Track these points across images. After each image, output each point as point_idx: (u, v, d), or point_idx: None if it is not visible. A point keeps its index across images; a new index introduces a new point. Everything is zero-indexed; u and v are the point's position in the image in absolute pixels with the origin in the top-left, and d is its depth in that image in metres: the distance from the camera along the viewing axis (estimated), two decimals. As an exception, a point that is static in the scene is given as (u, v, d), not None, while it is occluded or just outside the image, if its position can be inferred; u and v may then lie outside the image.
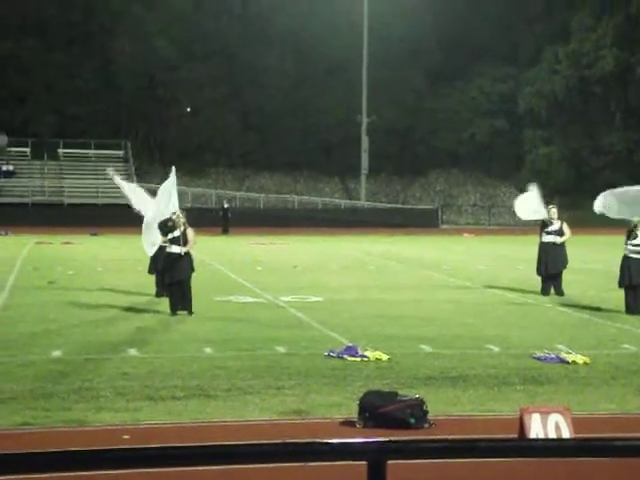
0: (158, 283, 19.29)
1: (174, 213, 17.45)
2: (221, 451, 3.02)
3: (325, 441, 2.86)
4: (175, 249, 16.84)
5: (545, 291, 20.21)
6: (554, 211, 20.60)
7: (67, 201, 59.44)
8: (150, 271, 19.90)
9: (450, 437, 8.18)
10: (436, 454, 2.99)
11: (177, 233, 16.86)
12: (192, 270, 17.19)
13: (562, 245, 20.38)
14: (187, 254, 16.97)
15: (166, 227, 17.05)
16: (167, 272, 16.96)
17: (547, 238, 20.46)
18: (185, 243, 16.90)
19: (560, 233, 20.38)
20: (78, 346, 13.54)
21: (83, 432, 8.94)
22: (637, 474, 7.52)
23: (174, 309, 16.74)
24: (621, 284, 17.40)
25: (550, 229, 20.37)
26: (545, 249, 20.41)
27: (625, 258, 17.45)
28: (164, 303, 18.55)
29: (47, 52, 66.93)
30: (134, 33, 68.52)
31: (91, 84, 68.33)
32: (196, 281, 23.30)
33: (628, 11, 69.97)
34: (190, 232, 17.08)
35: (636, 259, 17.16)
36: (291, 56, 70.07)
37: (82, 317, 16.59)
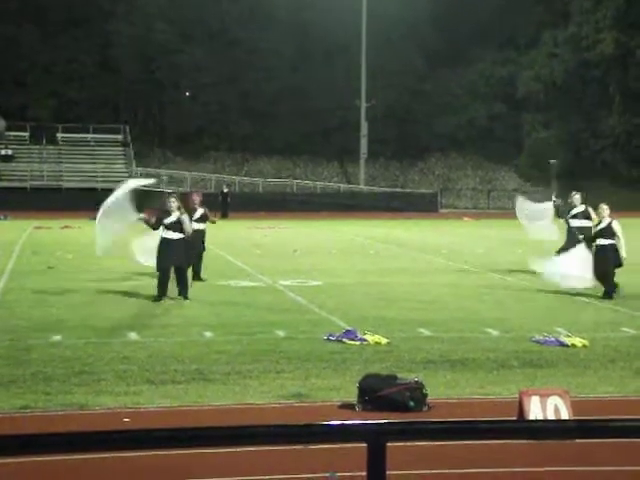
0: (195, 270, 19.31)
1: (169, 196, 17.27)
2: (222, 433, 3.03)
3: (325, 423, 2.88)
4: (170, 235, 16.67)
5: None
6: (577, 197, 20.17)
7: (66, 185, 59.37)
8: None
9: (450, 419, 8.21)
10: (436, 436, 3.01)
11: (173, 218, 16.74)
12: (194, 257, 17.07)
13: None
14: (184, 240, 16.80)
15: (164, 213, 16.93)
16: (160, 257, 16.68)
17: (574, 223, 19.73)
18: (181, 229, 16.73)
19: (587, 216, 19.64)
20: (78, 330, 13.56)
21: (83, 415, 8.97)
22: (634, 454, 7.56)
23: (160, 295, 16.49)
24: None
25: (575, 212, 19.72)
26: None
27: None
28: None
29: (46, 36, 66.73)
30: (133, 16, 68.31)
31: (90, 68, 68.15)
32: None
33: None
34: (186, 218, 16.92)
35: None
36: (290, 40, 69.87)
37: (82, 301, 16.61)
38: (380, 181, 70.40)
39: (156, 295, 16.55)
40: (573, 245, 18.80)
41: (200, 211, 19.64)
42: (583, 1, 71.76)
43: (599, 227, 17.44)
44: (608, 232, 17.30)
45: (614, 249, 17.18)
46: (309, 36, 69.88)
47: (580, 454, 7.58)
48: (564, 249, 19.49)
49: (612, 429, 3.16)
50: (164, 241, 16.69)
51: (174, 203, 16.84)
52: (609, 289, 17.16)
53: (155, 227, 16.85)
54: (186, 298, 16.68)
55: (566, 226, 20.46)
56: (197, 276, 19.43)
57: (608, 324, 14.42)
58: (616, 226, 17.32)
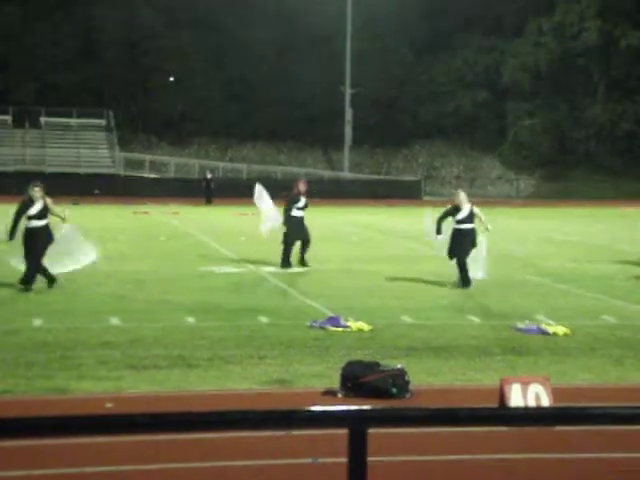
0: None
1: (34, 186, 16.31)
2: (203, 419, 3.03)
3: (307, 409, 2.89)
4: (35, 223, 15.89)
5: None
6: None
7: (49, 170, 59.06)
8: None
9: (431, 406, 8.25)
10: (417, 422, 3.02)
11: (38, 207, 15.88)
12: (50, 242, 16.47)
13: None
14: (44, 227, 16.02)
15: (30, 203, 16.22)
16: (28, 248, 15.84)
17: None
18: (45, 216, 16.18)
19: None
20: (59, 315, 13.53)
21: (65, 400, 8.96)
22: (614, 442, 7.62)
23: (28, 281, 15.85)
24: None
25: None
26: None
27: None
28: (146, 272, 18.55)
29: (29, 19, 66.22)
30: (117, 1, 67.87)
31: (73, 52, 67.70)
32: (179, 251, 23.35)
33: (612, -18, 69.90)
34: (50, 203, 16.26)
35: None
36: (276, 26, 69.61)
37: (63, 286, 16.55)
38: (364, 168, 70.39)
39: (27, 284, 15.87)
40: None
41: (304, 200, 19.90)
42: (568, -10, 71.86)
43: (461, 215, 17.06)
44: (470, 219, 17.16)
45: (474, 233, 17.10)
46: (294, 22, 69.64)
47: (560, 441, 7.64)
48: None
49: (592, 417, 3.18)
50: (30, 231, 15.89)
51: (38, 192, 16.19)
52: (465, 278, 16.90)
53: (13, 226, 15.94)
54: (26, 284, 15.81)
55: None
56: (303, 262, 19.74)
57: (589, 312, 14.50)
58: (477, 211, 17.27)
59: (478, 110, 73.38)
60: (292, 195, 20.16)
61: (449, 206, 17.54)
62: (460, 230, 17.13)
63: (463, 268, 17.02)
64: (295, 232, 19.64)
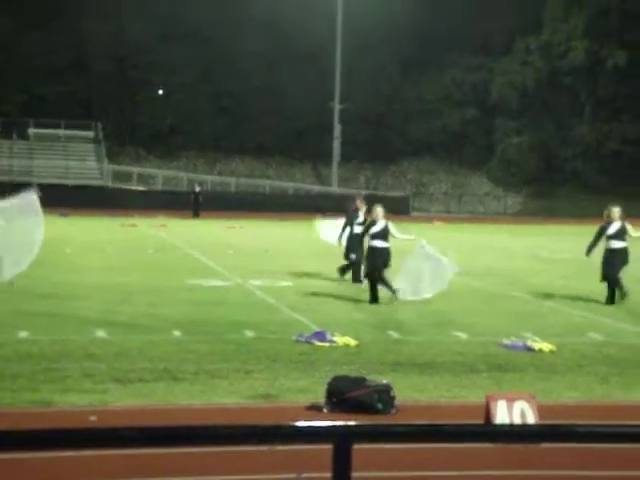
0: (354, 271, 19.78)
1: None
2: (188, 433, 3.03)
3: (291, 424, 2.88)
4: None
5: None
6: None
7: (36, 181, 58.90)
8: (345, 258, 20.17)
9: (416, 422, 8.24)
10: (402, 438, 3.02)
11: None
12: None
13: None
14: None
15: None
16: None
17: None
18: None
19: None
20: (45, 327, 13.46)
21: (49, 413, 8.91)
22: (599, 460, 7.62)
23: None
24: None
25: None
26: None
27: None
28: (133, 285, 18.50)
29: (18, 31, 66.18)
30: (107, 13, 67.91)
31: (62, 64, 67.66)
32: (167, 264, 23.31)
33: (599, 3, 70.33)
34: None
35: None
36: (265, 40, 69.76)
37: (49, 298, 16.48)
38: (352, 183, 70.48)
39: None
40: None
41: (362, 216, 19.95)
42: (555, 10, 72.28)
43: (375, 229, 16.94)
44: (383, 234, 16.93)
45: (388, 252, 16.84)
46: (284, 38, 69.81)
47: (546, 459, 7.64)
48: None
49: (577, 434, 3.18)
50: None
51: None
52: (373, 297, 16.77)
53: None
54: None
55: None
56: (342, 272, 20.03)
57: (575, 329, 14.53)
58: (392, 228, 17.11)
59: (466, 127, 73.67)
60: (350, 212, 20.26)
61: (368, 220, 17.51)
62: (372, 247, 16.98)
63: (374, 285, 16.82)
64: (357, 248, 19.73)
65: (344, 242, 19.99)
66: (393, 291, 16.78)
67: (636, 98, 69.92)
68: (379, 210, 17.28)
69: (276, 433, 2.91)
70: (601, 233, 17.77)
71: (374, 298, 16.81)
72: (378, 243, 16.99)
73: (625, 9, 70.07)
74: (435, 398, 9.88)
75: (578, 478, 7.52)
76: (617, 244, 17.52)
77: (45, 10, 67.03)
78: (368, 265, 17.10)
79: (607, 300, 17.36)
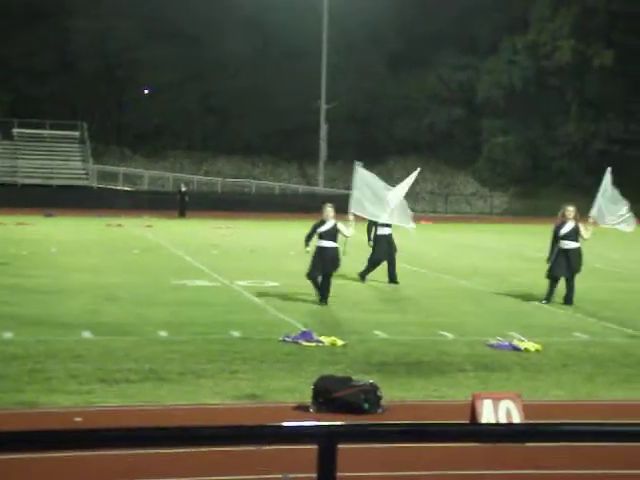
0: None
1: None
2: (173, 434, 3.01)
3: (276, 424, 2.88)
4: None
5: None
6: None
7: (21, 181, 58.70)
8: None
9: (401, 422, 8.25)
10: (387, 438, 3.02)
11: None
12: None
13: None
14: None
15: None
16: None
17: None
18: None
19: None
20: (30, 328, 13.41)
21: (34, 414, 8.87)
22: (584, 458, 7.65)
23: None
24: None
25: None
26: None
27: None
28: (118, 285, 18.45)
29: (3, 30, 65.87)
30: (93, 12, 67.67)
31: (48, 64, 67.36)
32: (152, 264, 23.25)
33: (585, 2, 70.55)
34: None
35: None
36: (252, 40, 69.69)
37: (35, 298, 16.43)
38: (339, 183, 70.48)
39: None
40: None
41: None
42: (542, 9, 72.47)
43: (323, 228, 16.70)
44: (332, 233, 16.71)
45: (337, 252, 16.69)
46: (271, 37, 69.75)
47: (531, 458, 7.65)
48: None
49: (562, 433, 3.19)
50: None
51: None
52: (323, 294, 16.62)
53: None
54: None
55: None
56: (393, 278, 19.97)
57: (561, 329, 14.57)
58: (341, 227, 16.96)
59: (453, 127, 73.76)
60: None
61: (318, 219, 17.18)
62: (320, 247, 16.75)
63: (314, 284, 16.71)
64: (382, 251, 19.74)
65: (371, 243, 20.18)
66: (322, 298, 16.53)
67: (622, 98, 70.19)
68: (329, 209, 16.97)
69: (261, 434, 2.90)
70: (556, 233, 17.50)
71: (325, 297, 16.58)
72: (326, 243, 16.70)
73: (611, 9, 70.31)
74: (421, 398, 9.89)
75: (563, 477, 7.54)
76: (570, 244, 17.32)
77: (30, 10, 66.74)
78: (315, 266, 16.65)
79: (565, 299, 17.15)
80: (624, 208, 19.03)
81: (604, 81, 70.33)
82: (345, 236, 17.15)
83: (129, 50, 68.14)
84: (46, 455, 6.71)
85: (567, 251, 17.28)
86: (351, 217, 17.55)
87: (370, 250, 20.40)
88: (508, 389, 9.71)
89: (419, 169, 21.49)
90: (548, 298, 17.32)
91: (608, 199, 18.79)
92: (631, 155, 70.47)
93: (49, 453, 2.99)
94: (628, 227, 19.12)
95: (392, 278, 19.96)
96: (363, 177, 18.61)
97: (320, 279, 16.73)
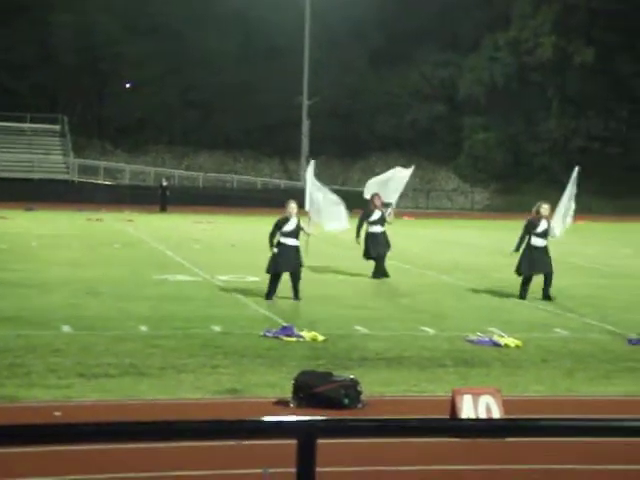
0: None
1: None
2: (153, 428, 3.01)
3: (255, 419, 2.87)
4: None
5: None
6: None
7: (1, 175, 58.33)
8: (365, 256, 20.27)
9: (381, 417, 8.27)
10: (366, 433, 3.02)
11: None
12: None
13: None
14: None
15: None
16: None
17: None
18: None
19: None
20: (10, 322, 13.34)
21: (14, 408, 8.83)
22: (564, 453, 7.69)
23: None
24: None
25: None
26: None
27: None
28: (99, 280, 18.38)
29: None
30: (75, 6, 67.31)
31: (29, 57, 66.95)
32: (133, 259, 23.18)
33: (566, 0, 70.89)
34: None
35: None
36: (234, 35, 69.53)
37: (14, 292, 16.34)
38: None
39: None
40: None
41: (379, 213, 20.17)
42: (523, 6, 72.69)
43: (288, 227, 16.51)
44: (296, 232, 16.59)
45: (298, 250, 16.57)
46: (253, 32, 69.62)
47: (510, 453, 7.69)
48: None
49: (541, 428, 3.20)
50: None
51: None
52: (295, 291, 16.60)
53: None
54: None
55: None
56: (383, 273, 19.92)
57: (541, 325, 14.63)
58: (304, 224, 16.93)
59: (434, 123, 73.88)
60: (369, 211, 20.40)
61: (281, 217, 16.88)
62: (283, 244, 16.53)
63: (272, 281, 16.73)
64: (375, 246, 19.80)
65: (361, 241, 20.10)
66: (269, 296, 16.46)
67: (602, 95, 70.52)
68: (292, 206, 16.70)
69: (240, 428, 2.89)
70: (529, 228, 17.58)
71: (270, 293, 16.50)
72: (289, 241, 16.52)
73: (592, 7, 70.61)
74: (402, 393, 9.91)
75: (542, 472, 7.57)
76: (542, 243, 17.45)
77: (11, 3, 66.29)
78: (275, 264, 16.48)
79: (543, 295, 17.30)
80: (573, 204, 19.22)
81: (584, 78, 70.65)
82: (307, 234, 17.10)
83: (111, 44, 67.82)
84: (25, 449, 6.68)
85: (538, 249, 17.41)
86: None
87: (357, 246, 20.38)
88: (488, 384, 9.75)
89: (413, 167, 21.70)
90: (524, 295, 17.39)
91: (570, 199, 19.03)
92: (611, 152, 70.86)
93: (28, 447, 2.98)
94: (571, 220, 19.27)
95: (383, 273, 19.95)
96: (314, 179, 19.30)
97: (289, 278, 16.59)
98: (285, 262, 16.48)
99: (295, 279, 16.61)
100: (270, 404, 9.19)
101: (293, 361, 11.15)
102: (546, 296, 17.34)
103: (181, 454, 7.32)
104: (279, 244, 16.58)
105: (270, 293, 16.50)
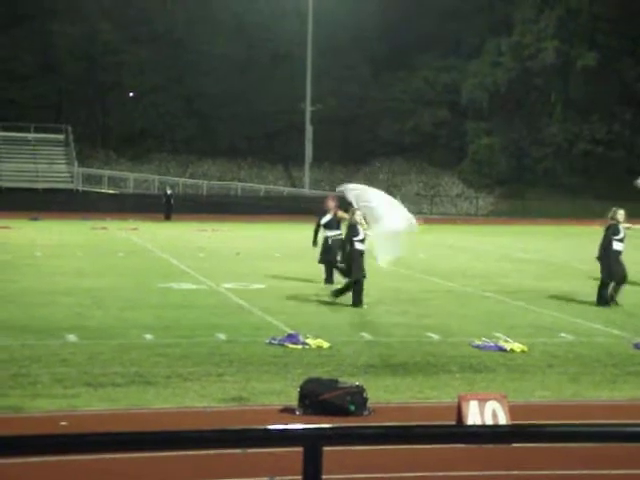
0: (328, 272, 19.82)
1: None
2: (159, 438, 3.00)
3: (262, 427, 2.87)
4: None
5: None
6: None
7: (5, 185, 58.42)
8: (320, 261, 20.15)
9: (387, 424, 8.25)
10: (372, 440, 3.02)
11: None
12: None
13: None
14: None
15: None
16: None
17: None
18: None
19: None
20: (15, 331, 13.34)
21: (19, 419, 8.83)
22: (570, 459, 7.66)
23: None
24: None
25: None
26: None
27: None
28: (104, 289, 18.39)
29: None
30: (77, 15, 67.48)
31: (32, 67, 67.13)
32: (138, 268, 23.18)
33: (569, 4, 70.88)
34: None
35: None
36: (236, 42, 69.64)
37: (19, 302, 16.35)
38: (325, 185, 70.48)
39: None
40: None
41: (329, 216, 20.16)
42: (525, 11, 72.73)
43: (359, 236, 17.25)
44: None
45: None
46: (255, 40, 69.71)
47: (517, 459, 7.67)
48: None
49: (548, 434, 3.19)
50: None
51: None
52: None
53: None
54: None
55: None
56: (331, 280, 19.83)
57: (547, 330, 14.61)
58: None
59: (438, 128, 73.89)
60: (323, 213, 20.35)
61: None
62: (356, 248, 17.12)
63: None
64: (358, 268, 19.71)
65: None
66: (358, 303, 16.82)
67: (605, 100, 70.50)
68: (358, 214, 17.32)
69: (246, 437, 2.89)
70: (611, 234, 17.54)
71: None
72: (360, 246, 17.14)
73: (594, 11, 70.66)
74: (407, 399, 9.90)
75: (550, 478, 7.55)
76: (622, 247, 17.61)
77: (13, 13, 66.47)
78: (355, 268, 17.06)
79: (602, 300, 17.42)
80: None
81: (587, 83, 70.66)
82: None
83: (113, 53, 67.98)
84: (30, 460, 6.68)
85: (621, 253, 17.48)
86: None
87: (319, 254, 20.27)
88: (494, 390, 9.73)
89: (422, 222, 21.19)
90: (607, 302, 17.29)
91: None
92: (614, 156, 70.81)
93: (34, 458, 2.97)
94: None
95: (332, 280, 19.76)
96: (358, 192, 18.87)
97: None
98: (359, 267, 16.95)
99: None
100: (276, 412, 9.18)
101: (299, 368, 11.14)
102: (613, 300, 17.33)
103: (187, 463, 7.31)
104: (353, 250, 17.12)
105: (357, 301, 16.69)
